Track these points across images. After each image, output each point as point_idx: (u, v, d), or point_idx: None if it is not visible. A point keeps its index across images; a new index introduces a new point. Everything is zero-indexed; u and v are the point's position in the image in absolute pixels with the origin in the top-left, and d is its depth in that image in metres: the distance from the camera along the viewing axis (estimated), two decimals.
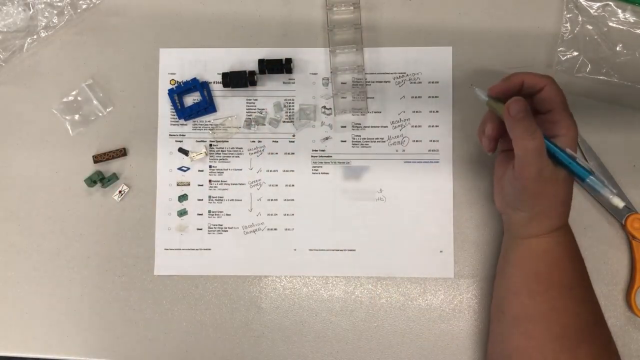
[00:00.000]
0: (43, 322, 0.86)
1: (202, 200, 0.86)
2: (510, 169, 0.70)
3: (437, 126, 0.86)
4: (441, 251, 0.84)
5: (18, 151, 0.87)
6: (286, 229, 0.85)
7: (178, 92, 0.85)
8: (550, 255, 0.72)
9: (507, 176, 0.72)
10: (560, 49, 0.84)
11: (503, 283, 0.77)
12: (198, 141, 0.86)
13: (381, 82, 0.86)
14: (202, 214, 0.86)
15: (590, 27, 0.85)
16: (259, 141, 0.86)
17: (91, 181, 0.85)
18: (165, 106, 0.87)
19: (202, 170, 0.86)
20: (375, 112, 0.86)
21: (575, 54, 0.84)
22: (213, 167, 0.86)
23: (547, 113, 0.71)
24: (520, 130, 0.67)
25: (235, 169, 0.86)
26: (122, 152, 0.86)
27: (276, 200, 0.86)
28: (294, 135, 0.86)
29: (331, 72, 0.86)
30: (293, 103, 0.86)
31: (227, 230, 0.86)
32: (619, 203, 0.64)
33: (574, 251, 0.74)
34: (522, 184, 0.68)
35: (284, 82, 0.87)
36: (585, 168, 0.67)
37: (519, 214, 0.73)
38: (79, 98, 0.87)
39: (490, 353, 0.78)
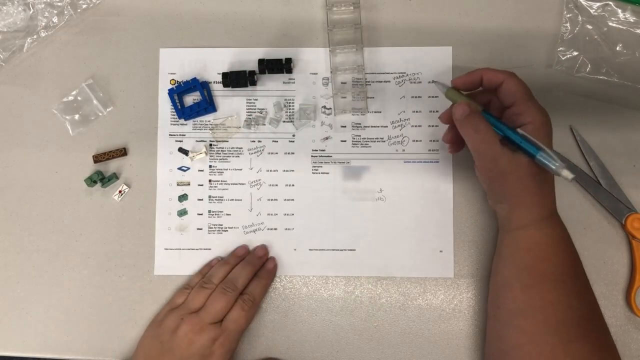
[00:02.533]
0: (43, 322, 0.86)
1: (202, 200, 0.86)
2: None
3: (437, 126, 0.86)
4: (441, 251, 0.84)
5: (18, 151, 0.87)
6: (286, 229, 0.85)
7: (178, 92, 0.85)
8: (538, 248, 0.72)
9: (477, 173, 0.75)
10: (560, 48, 0.84)
11: (497, 279, 0.77)
12: (198, 141, 0.86)
13: (381, 82, 0.86)
14: (202, 214, 0.86)
15: (590, 27, 0.85)
16: (259, 141, 0.86)
17: (91, 181, 0.85)
18: (165, 106, 0.87)
19: (202, 170, 0.86)
20: (375, 112, 0.86)
21: (575, 53, 0.84)
22: (213, 166, 0.86)
23: (512, 106, 0.72)
24: (465, 128, 0.72)
25: (235, 169, 0.86)
26: (122, 152, 0.86)
27: (276, 200, 0.86)
28: (294, 135, 0.86)
29: (331, 72, 0.86)
30: (293, 103, 0.86)
31: (227, 230, 0.86)
32: (568, 175, 0.64)
33: (564, 242, 0.74)
34: (485, 176, 0.73)
35: (284, 82, 0.87)
36: (536, 145, 0.68)
37: (500, 206, 0.75)
38: (79, 98, 0.87)
39: (488, 351, 0.78)
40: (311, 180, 0.86)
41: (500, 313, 0.75)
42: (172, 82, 0.87)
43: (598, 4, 0.85)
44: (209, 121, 0.87)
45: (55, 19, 0.87)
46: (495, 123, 0.71)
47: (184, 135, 0.87)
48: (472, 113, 0.71)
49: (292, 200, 0.86)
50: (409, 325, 0.84)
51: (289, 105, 0.86)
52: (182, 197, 0.86)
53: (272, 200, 0.86)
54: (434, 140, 0.86)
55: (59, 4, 0.87)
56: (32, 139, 0.87)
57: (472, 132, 0.71)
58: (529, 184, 0.70)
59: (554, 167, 0.66)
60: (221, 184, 0.86)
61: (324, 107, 0.86)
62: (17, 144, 0.87)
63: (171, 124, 0.87)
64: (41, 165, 0.87)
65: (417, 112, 0.86)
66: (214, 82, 0.87)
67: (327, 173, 0.86)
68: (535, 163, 0.69)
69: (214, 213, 0.86)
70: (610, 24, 0.85)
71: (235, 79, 0.85)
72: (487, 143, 0.70)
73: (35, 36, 0.87)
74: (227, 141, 0.86)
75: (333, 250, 0.85)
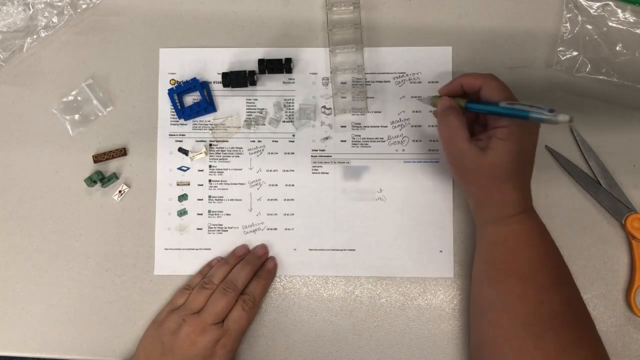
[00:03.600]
0: (43, 322, 0.86)
1: (202, 200, 0.86)
2: None
3: (437, 126, 0.85)
4: (441, 251, 0.84)
5: (18, 151, 0.87)
6: (286, 229, 0.85)
7: (178, 91, 0.85)
8: (504, 243, 0.73)
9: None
10: (560, 48, 0.84)
11: (472, 273, 0.78)
12: (198, 141, 0.86)
13: (381, 81, 0.86)
14: (202, 214, 0.86)
15: (590, 27, 0.85)
16: (259, 141, 0.86)
17: (91, 181, 0.85)
18: (165, 106, 0.87)
19: (202, 170, 0.86)
20: (375, 112, 0.86)
21: (575, 53, 0.84)
22: (213, 166, 0.86)
23: None
24: (440, 123, 0.74)
25: (235, 169, 0.86)
26: (122, 152, 0.86)
27: (276, 200, 0.86)
28: (293, 135, 0.86)
29: (331, 72, 0.86)
30: (293, 103, 0.86)
31: (227, 230, 0.86)
32: (565, 118, 0.62)
33: (534, 237, 0.73)
34: (452, 171, 0.77)
35: (283, 82, 0.87)
36: (523, 108, 0.67)
37: (468, 200, 0.78)
38: (79, 98, 0.87)
39: (470, 344, 0.79)
40: (311, 180, 0.86)
41: (474, 306, 0.76)
42: (172, 82, 0.87)
43: (598, 4, 0.85)
44: (209, 121, 0.87)
45: (55, 19, 0.87)
46: (480, 107, 0.72)
47: (184, 135, 0.87)
48: (449, 108, 0.73)
49: (292, 200, 0.86)
50: (408, 325, 0.84)
51: (289, 105, 0.86)
52: (182, 197, 0.86)
53: (272, 200, 0.86)
54: (433, 140, 0.86)
55: (59, 4, 0.87)
56: (32, 139, 0.87)
57: (443, 128, 0.73)
58: (490, 183, 0.72)
59: (548, 117, 0.64)
60: (221, 184, 0.86)
61: (324, 107, 0.86)
62: (17, 144, 0.87)
63: (171, 124, 0.87)
64: (41, 165, 0.87)
65: (417, 112, 0.86)
66: (214, 82, 0.87)
67: (327, 173, 0.86)
68: (499, 163, 0.70)
69: (213, 213, 0.86)
70: (610, 24, 0.85)
71: (235, 79, 0.85)
72: (455, 139, 0.72)
73: (35, 36, 0.87)
74: (227, 141, 0.86)
75: (333, 250, 0.85)
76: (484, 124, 0.76)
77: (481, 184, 0.72)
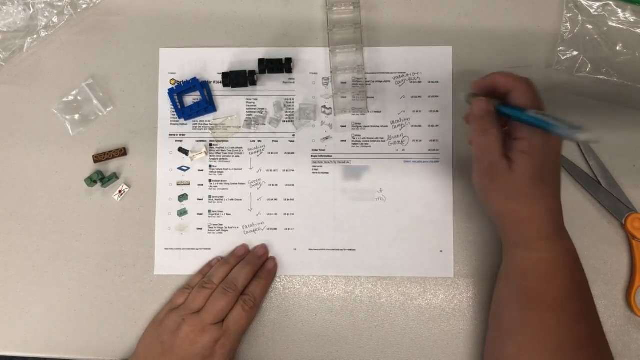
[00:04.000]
0: (43, 322, 0.86)
1: (202, 199, 0.86)
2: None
3: (437, 126, 0.86)
4: (441, 251, 0.84)
5: (18, 151, 0.87)
6: (286, 229, 0.85)
7: (178, 91, 0.85)
8: (534, 272, 0.71)
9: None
10: (560, 48, 0.84)
11: (498, 293, 0.77)
12: (198, 141, 0.86)
13: (381, 81, 0.86)
14: (202, 214, 0.86)
15: (590, 26, 0.85)
16: (259, 141, 0.86)
17: (91, 181, 0.85)
18: (165, 106, 0.87)
19: (202, 170, 0.86)
20: (375, 112, 0.86)
21: (575, 53, 0.84)
22: (213, 166, 0.86)
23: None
24: (476, 126, 0.71)
25: (235, 169, 0.86)
26: (122, 152, 0.86)
27: (276, 199, 0.86)
28: (294, 135, 0.86)
29: (331, 72, 0.86)
30: (293, 103, 0.86)
31: (227, 230, 0.86)
32: (590, 137, 0.59)
33: (567, 266, 0.71)
34: (479, 183, 0.72)
35: (284, 82, 0.87)
36: (552, 120, 0.63)
37: (495, 220, 0.75)
38: (79, 98, 0.87)
39: (485, 355, 0.78)
40: (311, 180, 0.86)
41: (499, 327, 0.75)
42: (172, 82, 0.87)
43: (598, 3, 0.85)
44: (209, 121, 0.87)
45: (55, 19, 0.87)
46: (510, 111, 0.69)
47: (184, 135, 0.87)
48: (488, 115, 0.70)
49: (292, 200, 0.86)
50: (409, 325, 0.84)
51: (289, 105, 0.86)
52: (182, 197, 0.86)
53: (272, 200, 0.86)
54: (434, 140, 0.86)
55: (59, 3, 0.87)
56: (32, 139, 0.87)
57: (480, 134, 0.70)
58: (516, 200, 0.69)
59: (574, 135, 0.60)
60: (221, 183, 0.86)
61: (324, 107, 0.86)
62: (17, 144, 0.87)
63: (171, 124, 0.87)
64: (41, 165, 0.87)
65: (417, 112, 0.86)
66: (214, 82, 0.87)
67: (327, 173, 0.86)
68: (523, 179, 0.68)
69: (214, 213, 0.86)
70: (611, 23, 0.85)
71: (235, 79, 0.85)
72: (491, 150, 0.69)
73: (35, 36, 0.87)
74: (227, 141, 0.86)
75: (333, 250, 0.85)
76: (504, 132, 0.72)
77: (508, 200, 0.70)
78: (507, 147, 0.69)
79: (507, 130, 0.72)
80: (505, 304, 0.74)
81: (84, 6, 0.88)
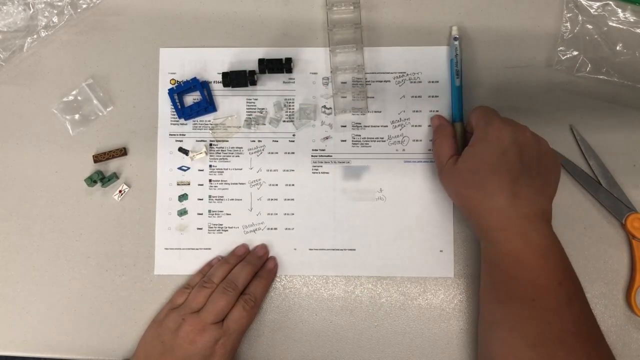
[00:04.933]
0: (43, 321, 0.86)
1: (202, 199, 0.86)
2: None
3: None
4: (441, 250, 0.84)
5: (18, 151, 0.87)
6: (286, 229, 0.85)
7: (178, 91, 0.85)
8: (502, 266, 0.71)
9: None
10: (560, 48, 0.84)
11: (480, 286, 0.77)
12: (198, 141, 0.86)
13: (381, 81, 0.86)
14: (202, 214, 0.86)
15: (590, 26, 0.85)
16: (259, 141, 0.86)
17: (91, 181, 0.85)
18: (165, 106, 0.87)
19: (202, 170, 0.86)
20: (376, 112, 0.86)
21: (575, 53, 0.84)
22: (213, 166, 0.86)
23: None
24: (433, 138, 0.84)
25: (235, 169, 0.86)
26: (122, 152, 0.86)
27: (276, 199, 0.86)
28: (294, 135, 0.86)
29: (331, 72, 0.86)
30: (293, 102, 0.86)
31: (227, 230, 0.86)
32: None
33: (536, 260, 0.69)
34: (441, 182, 0.81)
35: (284, 82, 0.87)
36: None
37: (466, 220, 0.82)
38: (79, 98, 0.87)
39: (478, 356, 0.78)
40: (311, 180, 0.86)
41: (483, 321, 0.75)
42: (172, 81, 0.87)
43: (598, 3, 0.85)
44: (209, 121, 0.87)
45: (55, 19, 0.87)
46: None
47: (184, 135, 0.87)
48: (439, 127, 0.83)
49: (292, 200, 0.86)
50: (409, 324, 0.84)
51: (289, 105, 0.86)
52: (182, 197, 0.86)
53: (272, 200, 0.86)
54: None
55: (59, 3, 0.87)
56: (32, 139, 0.87)
57: (433, 141, 0.83)
58: (465, 190, 0.73)
59: None
60: (221, 183, 0.86)
61: (324, 106, 0.86)
62: (17, 144, 0.87)
63: (171, 124, 0.87)
64: (41, 165, 0.87)
65: (417, 111, 0.86)
66: (214, 82, 0.87)
67: (327, 173, 0.86)
68: (466, 168, 0.74)
69: (214, 213, 0.86)
70: (611, 23, 0.85)
71: (235, 79, 0.85)
72: (436, 154, 0.81)
73: (35, 36, 0.87)
74: (227, 141, 0.86)
75: (333, 250, 0.85)
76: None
77: (457, 194, 0.75)
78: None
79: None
80: (485, 297, 0.75)
81: (84, 6, 0.88)
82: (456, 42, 0.84)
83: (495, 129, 0.72)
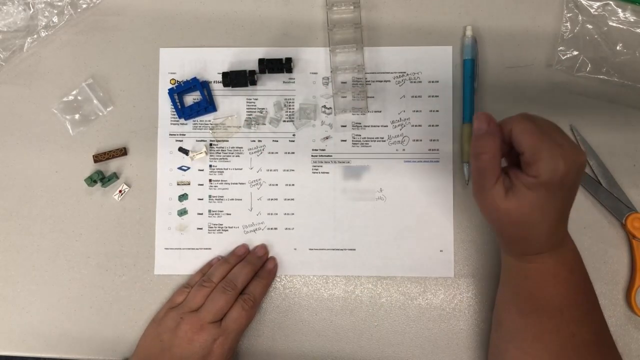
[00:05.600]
0: (43, 321, 0.86)
1: (202, 199, 0.86)
2: None
3: (437, 125, 0.86)
4: (441, 250, 0.84)
5: (18, 151, 0.87)
6: (286, 229, 0.85)
7: (178, 91, 0.85)
8: (531, 280, 0.70)
9: None
10: (561, 48, 0.84)
11: (499, 295, 0.77)
12: (198, 140, 0.86)
13: (381, 81, 0.86)
14: (202, 214, 0.86)
15: (590, 26, 0.85)
16: (259, 140, 0.86)
17: (91, 181, 0.85)
18: (165, 105, 0.87)
19: (203, 170, 0.86)
20: (376, 112, 0.86)
21: (576, 53, 0.84)
22: (213, 166, 0.86)
23: (522, 154, 0.63)
24: (472, 146, 0.65)
25: (235, 169, 0.86)
26: (122, 152, 0.86)
27: (276, 199, 0.86)
28: (294, 135, 0.86)
29: (331, 72, 0.86)
30: (293, 102, 0.86)
31: (227, 230, 0.86)
32: None
33: (562, 274, 0.69)
34: (474, 195, 0.68)
35: (284, 82, 0.87)
36: None
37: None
38: (79, 97, 0.87)
39: (489, 357, 0.78)
40: (311, 179, 0.86)
41: (501, 330, 0.74)
42: (172, 81, 0.87)
43: (598, 3, 0.85)
44: (209, 121, 0.87)
45: (55, 19, 0.87)
46: None
47: (184, 134, 0.87)
48: (485, 135, 0.65)
49: (292, 199, 0.86)
50: (409, 324, 0.84)
51: (289, 105, 0.86)
52: (182, 197, 0.86)
53: (272, 199, 0.86)
54: (434, 140, 0.86)
55: (59, 3, 0.87)
56: (32, 139, 0.87)
57: (473, 155, 0.65)
58: (509, 227, 0.67)
59: None
60: (221, 183, 0.86)
61: (324, 106, 0.86)
62: (17, 144, 0.87)
63: (171, 124, 0.87)
64: (41, 165, 0.87)
65: (417, 111, 0.86)
66: (214, 82, 0.87)
67: (327, 173, 0.86)
68: (517, 213, 0.64)
69: (214, 213, 0.86)
70: (611, 23, 0.85)
71: (236, 79, 0.85)
72: (479, 174, 0.65)
73: (35, 36, 0.87)
74: (227, 141, 0.86)
75: (333, 249, 0.85)
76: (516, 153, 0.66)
77: (498, 227, 0.69)
78: (513, 174, 0.64)
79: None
80: (505, 307, 0.74)
81: (84, 6, 0.88)
82: (468, 42, 0.85)
83: (561, 171, 0.60)
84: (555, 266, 0.69)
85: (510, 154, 0.67)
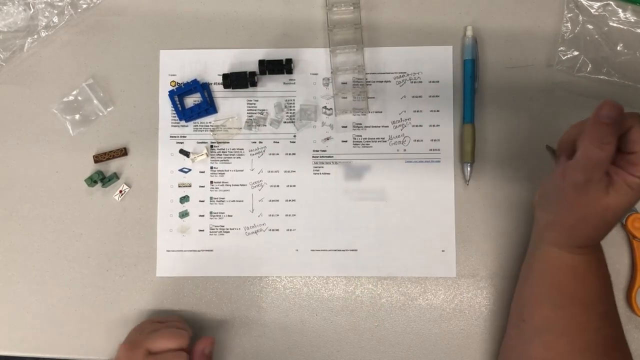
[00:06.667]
0: (43, 322, 0.86)
1: (203, 201, 0.86)
2: (564, 164, 0.65)
3: (438, 125, 0.86)
4: (443, 250, 0.84)
5: (18, 151, 0.87)
6: (288, 230, 0.86)
7: (178, 93, 0.85)
8: (571, 270, 0.70)
9: (556, 171, 0.67)
10: (561, 48, 0.84)
11: (525, 290, 0.76)
12: (199, 142, 0.86)
13: (382, 81, 0.86)
14: (203, 215, 0.86)
15: (590, 26, 0.85)
16: (260, 142, 0.86)
17: (91, 181, 0.85)
18: (166, 107, 0.87)
19: (204, 172, 0.86)
20: (376, 112, 0.86)
21: (576, 53, 0.84)
22: (214, 168, 0.86)
23: (631, 154, 0.62)
24: (594, 133, 0.61)
25: (236, 170, 0.86)
26: (122, 152, 0.86)
27: (277, 201, 0.86)
28: (294, 136, 0.86)
29: (332, 72, 0.86)
30: (294, 103, 0.86)
31: (228, 232, 0.86)
32: None
33: (601, 268, 0.72)
34: (564, 184, 0.64)
35: (284, 83, 0.87)
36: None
37: (544, 214, 0.71)
38: (79, 98, 0.87)
39: (506, 358, 0.78)
40: (312, 180, 0.86)
41: (525, 326, 0.74)
42: (173, 83, 0.87)
43: (599, 3, 0.85)
44: (210, 122, 0.87)
45: (55, 19, 0.87)
46: None
47: (185, 136, 0.86)
48: (613, 124, 0.61)
49: (294, 201, 0.86)
50: (409, 325, 0.84)
51: (290, 106, 0.86)
52: (184, 199, 0.86)
53: (273, 201, 0.86)
54: (435, 140, 0.86)
55: (59, 3, 0.87)
56: (32, 139, 0.87)
57: (596, 144, 0.60)
58: (594, 222, 0.65)
59: None
60: (222, 185, 0.86)
61: (325, 107, 0.86)
62: (17, 144, 0.87)
63: (172, 126, 0.87)
64: (41, 165, 0.87)
65: (418, 111, 0.86)
66: (215, 84, 0.87)
67: (329, 173, 0.86)
68: (614, 209, 0.63)
69: (215, 214, 0.86)
70: (611, 23, 0.85)
71: (236, 80, 0.85)
72: (597, 166, 0.61)
73: (35, 36, 0.87)
74: (228, 142, 0.86)
75: (335, 250, 0.85)
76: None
77: (578, 218, 0.66)
78: (613, 170, 0.63)
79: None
80: (536, 301, 0.73)
81: (84, 6, 0.88)
82: (469, 42, 0.85)
83: None
84: (598, 258, 0.71)
85: None
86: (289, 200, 0.86)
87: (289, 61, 0.85)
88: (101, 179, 0.85)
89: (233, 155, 0.86)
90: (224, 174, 0.86)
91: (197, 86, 0.85)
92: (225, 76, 0.85)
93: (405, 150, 0.86)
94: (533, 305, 0.74)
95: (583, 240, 0.69)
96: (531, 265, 0.75)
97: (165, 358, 0.73)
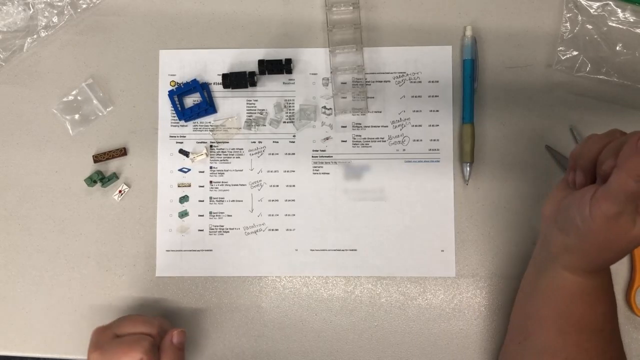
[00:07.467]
0: (43, 322, 0.86)
1: (203, 201, 0.86)
2: (590, 190, 0.61)
3: (437, 125, 0.86)
4: (442, 250, 0.84)
5: (18, 151, 0.87)
6: (287, 230, 0.86)
7: (178, 93, 0.85)
8: (586, 297, 0.68)
9: (579, 194, 0.63)
10: (560, 48, 0.84)
11: (529, 309, 0.73)
12: (199, 142, 0.86)
13: (381, 81, 0.86)
14: (203, 215, 0.86)
15: (590, 26, 0.85)
16: (260, 142, 0.86)
17: (91, 181, 0.85)
18: (165, 107, 0.87)
19: (203, 172, 0.86)
20: (376, 112, 0.86)
21: (575, 53, 0.84)
22: (214, 168, 0.86)
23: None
24: (633, 166, 0.55)
25: (236, 170, 0.86)
26: (122, 152, 0.86)
27: (277, 200, 0.86)
28: (294, 136, 0.86)
29: (331, 72, 0.86)
30: (293, 103, 0.86)
31: (228, 232, 0.86)
32: None
33: (610, 289, 0.70)
34: (592, 212, 0.60)
35: (284, 83, 0.87)
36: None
37: (562, 236, 0.66)
38: (79, 98, 0.87)
39: None
40: (312, 180, 0.86)
41: (527, 344, 0.72)
42: (172, 83, 0.87)
43: (598, 3, 0.85)
44: (209, 122, 0.87)
45: (55, 19, 0.87)
46: None
47: (185, 136, 0.87)
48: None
49: (293, 200, 0.86)
50: (409, 324, 0.84)
51: (289, 106, 0.86)
52: (183, 199, 0.86)
53: (273, 201, 0.86)
54: (434, 140, 0.86)
55: (59, 3, 0.87)
56: (32, 139, 0.87)
57: (632, 176, 0.55)
58: (615, 249, 0.62)
59: None
60: (222, 185, 0.86)
61: (324, 107, 0.86)
62: (17, 144, 0.87)
63: (171, 126, 0.87)
64: (41, 165, 0.87)
65: (417, 111, 0.86)
66: (214, 84, 0.87)
67: (328, 173, 0.86)
68: (632, 242, 0.60)
69: (215, 214, 0.86)
70: (610, 23, 0.85)
71: (235, 80, 0.85)
72: (632, 199, 0.57)
73: (35, 36, 0.87)
74: (228, 142, 0.86)
75: (334, 250, 0.85)
76: None
77: (602, 247, 0.62)
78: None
79: None
80: (541, 323, 0.71)
81: (84, 6, 0.88)
82: (468, 42, 0.85)
83: None
84: (608, 281, 0.69)
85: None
86: (289, 200, 0.86)
87: (289, 61, 0.85)
88: (101, 179, 0.85)
89: (232, 155, 0.86)
90: (223, 173, 0.86)
91: (197, 86, 0.85)
92: (224, 76, 0.85)
93: (404, 150, 0.86)
94: (537, 326, 0.71)
95: (600, 265, 0.67)
96: (538, 284, 0.71)
97: (128, 339, 0.73)
